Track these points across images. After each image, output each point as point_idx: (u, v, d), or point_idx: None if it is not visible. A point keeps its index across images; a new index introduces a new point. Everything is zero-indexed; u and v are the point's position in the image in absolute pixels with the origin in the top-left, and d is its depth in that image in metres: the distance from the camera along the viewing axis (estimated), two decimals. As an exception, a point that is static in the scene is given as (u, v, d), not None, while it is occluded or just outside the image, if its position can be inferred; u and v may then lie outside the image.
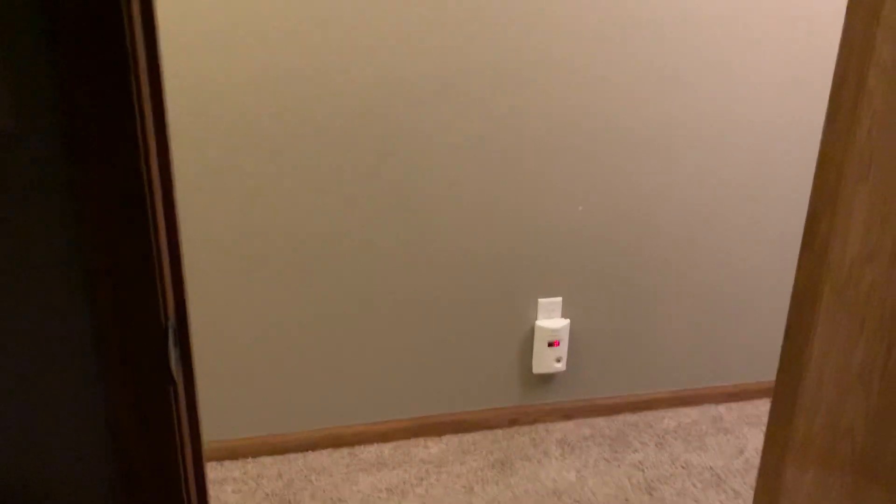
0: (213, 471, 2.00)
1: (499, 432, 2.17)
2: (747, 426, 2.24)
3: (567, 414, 2.22)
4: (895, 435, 0.75)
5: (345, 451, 2.08)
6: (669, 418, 2.27)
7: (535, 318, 2.11)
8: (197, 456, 0.77)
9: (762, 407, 2.33)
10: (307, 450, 2.08)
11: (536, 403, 2.20)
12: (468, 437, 2.15)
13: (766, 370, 2.36)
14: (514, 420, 2.18)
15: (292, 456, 2.06)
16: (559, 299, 2.11)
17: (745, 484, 1.98)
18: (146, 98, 0.63)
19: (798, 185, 2.17)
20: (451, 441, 2.13)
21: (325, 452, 2.07)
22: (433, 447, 2.10)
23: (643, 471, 2.03)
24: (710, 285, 2.22)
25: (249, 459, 2.05)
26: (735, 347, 2.32)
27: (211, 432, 2.03)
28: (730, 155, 2.09)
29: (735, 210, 2.15)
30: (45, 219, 0.63)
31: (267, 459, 2.05)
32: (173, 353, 0.70)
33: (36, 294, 0.64)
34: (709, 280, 2.21)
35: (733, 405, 2.35)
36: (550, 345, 2.11)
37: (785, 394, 0.97)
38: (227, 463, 2.03)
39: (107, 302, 0.65)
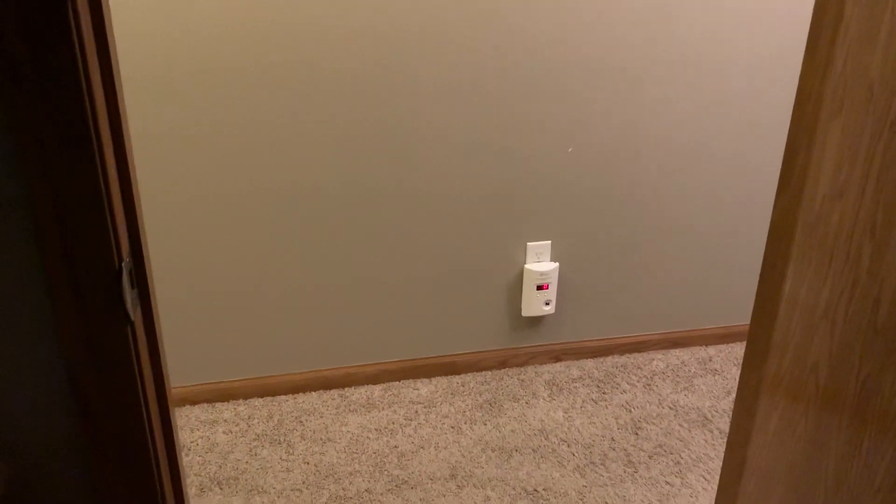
0: (204, 412, 2.03)
1: (488, 374, 2.18)
2: (735, 367, 2.25)
3: (556, 356, 2.24)
4: (855, 371, 0.75)
5: (335, 392, 2.11)
6: (658, 360, 2.28)
7: (524, 262, 2.11)
8: (161, 395, 0.77)
9: (751, 349, 2.34)
10: (298, 392, 2.10)
11: (525, 346, 2.22)
12: (457, 379, 2.16)
13: (757, 312, 2.37)
14: (503, 362, 2.20)
15: (283, 398, 2.08)
16: (548, 243, 2.10)
17: (731, 424, 2.00)
18: (84, 16, 0.60)
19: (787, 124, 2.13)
20: (441, 383, 2.15)
21: (315, 394, 2.10)
22: (423, 388, 2.12)
23: (630, 411, 2.05)
24: (699, 227, 2.20)
25: (241, 401, 2.07)
26: (725, 290, 2.32)
27: (202, 374, 2.05)
28: (720, 94, 2.05)
29: (725, 151, 2.12)
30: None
31: (258, 401, 2.07)
32: (129, 293, 0.69)
33: (-18, 233, 0.63)
34: (698, 222, 2.19)
35: (722, 347, 2.36)
36: (539, 288, 2.11)
37: (759, 333, 0.97)
38: (218, 405, 2.06)
39: (55, 243, 0.64)
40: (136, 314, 0.71)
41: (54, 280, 0.65)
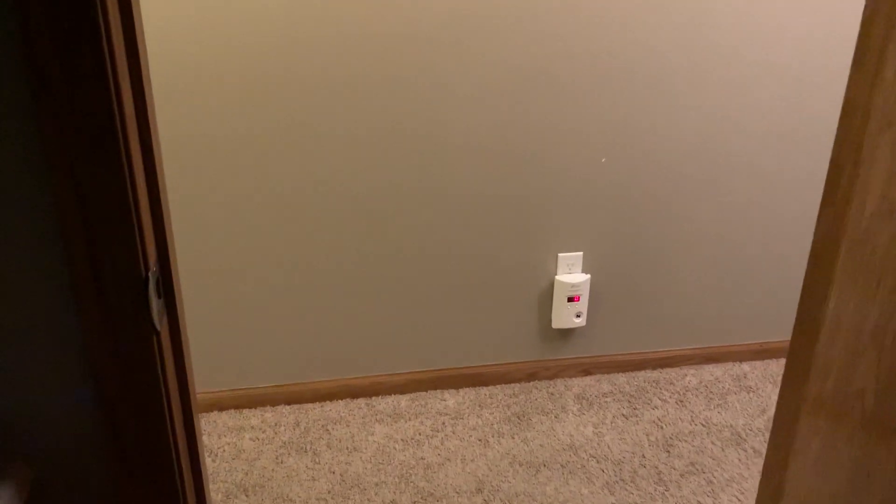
0: (231, 418, 2.03)
1: (516, 386, 2.16)
2: (771, 385, 2.20)
3: (586, 369, 2.20)
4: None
5: (362, 401, 2.09)
6: (691, 376, 2.23)
7: (556, 273, 2.08)
8: (186, 405, 0.76)
9: (788, 366, 2.29)
10: (325, 400, 2.09)
11: (555, 358, 2.18)
12: (485, 391, 2.14)
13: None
14: (532, 374, 2.17)
15: (309, 405, 2.08)
16: (580, 254, 2.07)
17: (766, 443, 1.94)
18: (114, 19, 0.60)
19: (831, 135, 2.08)
20: (469, 394, 2.13)
21: (342, 403, 2.09)
22: (450, 399, 2.10)
23: (662, 427, 2.01)
24: (736, 240, 2.15)
25: (268, 408, 2.07)
26: (761, 305, 2.26)
27: (231, 380, 2.05)
28: (761, 103, 2.01)
29: (764, 163, 2.07)
30: (9, 163, 0.61)
31: (285, 408, 2.07)
32: (155, 303, 0.68)
33: (8, 243, 0.63)
34: (735, 235, 2.15)
35: (757, 363, 2.31)
36: (570, 300, 2.08)
37: (799, 354, 0.94)
38: (245, 411, 2.06)
39: (81, 251, 0.63)
40: (162, 324, 0.71)
41: (80, 288, 0.65)
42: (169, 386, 0.72)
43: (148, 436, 0.71)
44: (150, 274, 0.67)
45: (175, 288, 0.72)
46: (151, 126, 0.67)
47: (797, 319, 0.94)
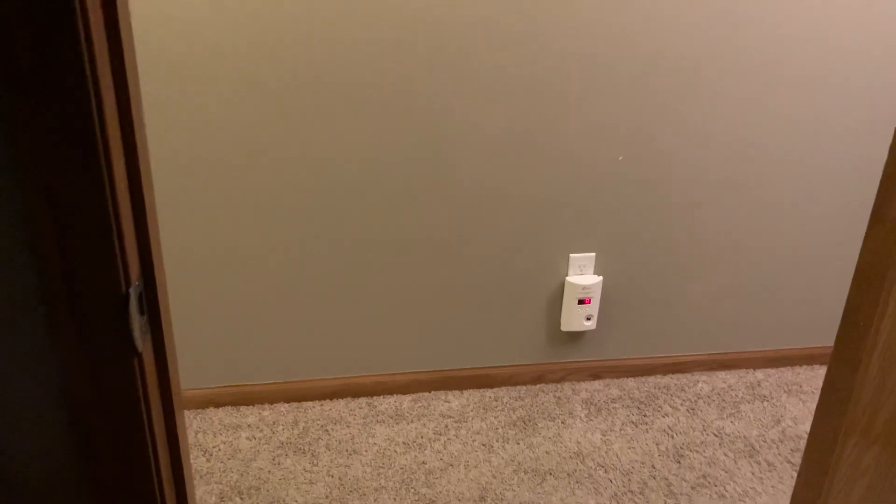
0: (228, 416, 1.97)
1: (522, 389, 2.09)
2: (786, 394, 2.13)
3: (595, 373, 2.13)
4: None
5: (363, 401, 2.03)
6: (703, 382, 2.16)
7: (566, 274, 2.00)
8: (171, 432, 0.69)
9: (803, 374, 2.22)
10: (325, 398, 2.03)
11: (563, 361, 2.11)
12: (490, 393, 2.07)
13: (810, 336, 2.24)
14: (539, 377, 2.10)
15: (309, 404, 2.01)
16: (592, 255, 2.00)
17: (780, 455, 1.88)
18: (94, 12, 0.52)
19: (859, 139, 2.00)
20: (473, 396, 2.06)
21: (342, 402, 2.02)
22: (454, 401, 2.04)
23: (672, 437, 1.94)
24: (753, 245, 2.08)
25: (266, 406, 2.01)
26: (777, 311, 2.19)
27: (228, 376, 1.99)
28: (783, 108, 1.92)
29: (784, 168, 1.99)
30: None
31: (283, 406, 2.00)
32: (137, 321, 0.61)
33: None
34: (753, 239, 2.07)
35: (771, 371, 2.24)
36: (581, 302, 2.01)
37: (841, 380, 0.86)
38: (243, 408, 1.99)
39: (54, 266, 0.56)
40: (145, 343, 0.63)
41: (53, 307, 0.58)
42: (152, 412, 0.65)
43: (128, 468, 0.65)
44: (131, 289, 0.60)
45: (160, 302, 0.65)
46: (136, 124, 0.59)
47: (838, 344, 0.87)
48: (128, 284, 0.59)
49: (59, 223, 0.55)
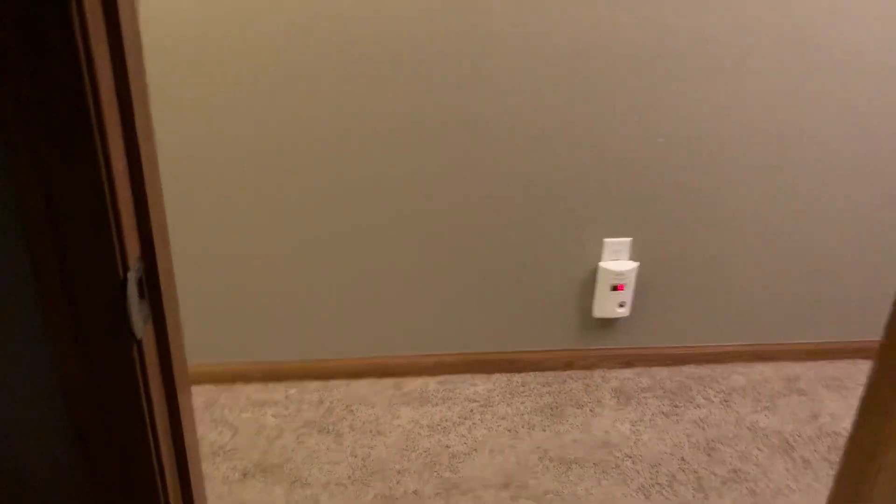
0: (256, 392, 1.97)
1: (551, 375, 2.05)
2: (825, 389, 2.05)
3: (627, 361, 2.08)
4: None
5: (389, 382, 2.01)
6: (739, 374, 2.10)
7: (600, 259, 1.95)
8: (174, 417, 0.68)
9: (844, 369, 2.14)
10: (351, 377, 2.02)
11: (594, 348, 2.07)
12: (518, 378, 2.04)
13: (852, 330, 2.15)
14: (568, 364, 2.06)
15: (335, 383, 2.00)
16: (628, 240, 1.94)
17: (817, 453, 1.82)
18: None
19: (915, 126, 1.90)
20: (500, 380, 2.03)
21: (368, 382, 2.01)
22: (480, 385, 2.01)
23: (704, 429, 1.89)
24: (797, 232, 2.00)
25: (293, 383, 2.00)
26: (818, 302, 2.11)
27: (257, 352, 1.99)
28: (830, 90, 1.83)
29: (832, 152, 1.91)
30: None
31: (310, 384, 2.00)
32: (136, 307, 0.59)
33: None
34: (796, 226, 1.99)
35: (811, 364, 2.16)
36: (614, 288, 1.96)
37: (888, 380, 0.81)
38: (270, 384, 1.99)
39: (48, 252, 0.54)
40: (146, 330, 0.61)
41: (48, 294, 0.56)
42: (153, 399, 0.63)
43: (128, 461, 0.63)
44: (129, 274, 0.57)
45: (163, 287, 0.63)
46: (136, 105, 0.56)
47: (886, 341, 0.82)
48: (126, 269, 0.57)
49: (51, 206, 0.53)
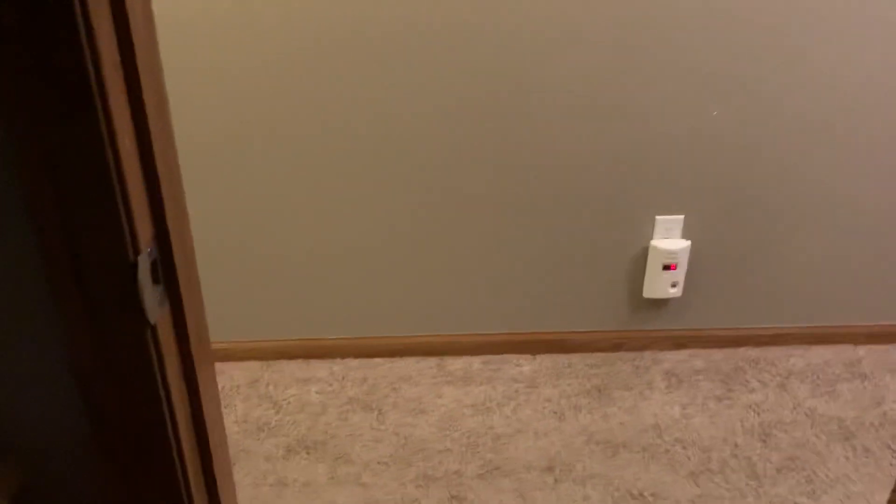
0: (299, 369, 1.97)
1: (599, 356, 2.00)
2: (890, 374, 1.95)
3: (679, 343, 2.01)
4: None
5: (433, 361, 1.99)
6: (797, 357, 2.01)
7: (651, 238, 1.88)
8: (195, 401, 0.66)
9: (911, 353, 2.03)
10: (395, 356, 2.00)
11: (644, 329, 2.01)
12: (565, 359, 1.99)
13: (922, 312, 2.04)
14: (617, 345, 2.00)
15: (379, 361, 1.99)
16: (680, 217, 1.86)
17: (879, 441, 1.73)
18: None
19: None
20: (546, 361, 1.99)
21: (412, 360, 1.99)
22: (526, 365, 1.97)
23: (759, 414, 1.81)
24: (860, 207, 1.89)
25: (336, 360, 2.00)
26: (884, 282, 1.99)
27: (300, 329, 1.98)
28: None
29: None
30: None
31: (353, 362, 1.99)
32: (149, 291, 0.57)
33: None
34: (860, 201, 1.88)
35: (874, 348, 2.05)
36: (666, 268, 1.89)
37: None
38: (313, 362, 1.99)
39: (56, 235, 0.52)
40: (161, 314, 0.59)
41: (58, 279, 0.54)
42: (170, 385, 0.61)
43: (144, 443, 0.61)
44: (139, 258, 0.55)
45: (178, 269, 0.61)
46: (144, 79, 0.54)
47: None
48: (136, 252, 0.55)
49: (58, 188, 0.51)
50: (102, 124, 0.50)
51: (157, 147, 0.56)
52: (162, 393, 0.60)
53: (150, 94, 0.55)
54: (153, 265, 0.58)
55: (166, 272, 0.60)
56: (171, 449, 0.62)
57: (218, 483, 0.70)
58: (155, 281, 0.58)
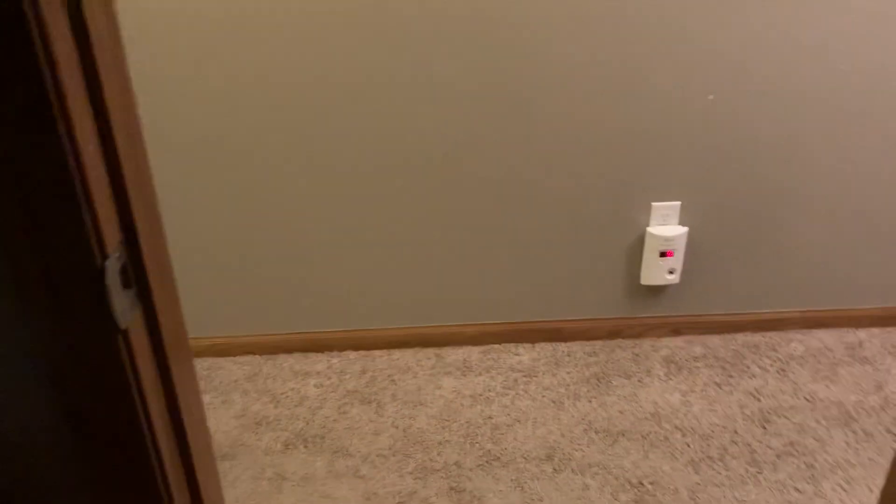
0: (298, 362, 1.97)
1: (597, 344, 1.99)
2: (891, 357, 1.94)
3: (677, 329, 2.01)
4: None
5: (431, 352, 1.99)
6: (797, 342, 2.00)
7: (647, 224, 1.87)
8: (175, 414, 0.65)
9: (913, 336, 2.02)
10: (393, 348, 2.00)
11: (642, 316, 2.00)
12: (563, 347, 1.99)
13: (924, 294, 2.02)
14: (615, 332, 2.00)
15: (377, 353, 1.99)
16: (677, 203, 1.85)
17: (881, 425, 1.72)
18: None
19: None
20: (545, 350, 1.98)
21: (410, 352, 1.99)
22: (524, 355, 1.97)
23: (759, 400, 1.81)
24: (859, 190, 1.87)
25: (335, 353, 2.00)
26: (885, 264, 1.98)
27: (298, 323, 1.98)
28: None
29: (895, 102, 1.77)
30: None
31: (352, 354, 1.99)
32: (118, 296, 0.56)
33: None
34: (858, 183, 1.86)
35: (876, 331, 2.04)
36: (663, 255, 1.88)
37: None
38: (312, 355, 1.99)
39: (24, 244, 0.52)
40: (133, 318, 0.59)
41: (26, 286, 0.53)
42: (144, 388, 0.60)
43: (122, 448, 0.61)
44: (107, 262, 0.54)
45: (149, 272, 0.60)
46: (106, 78, 0.53)
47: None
48: (104, 257, 0.54)
49: (22, 195, 0.50)
50: (62, 129, 0.49)
51: (124, 150, 0.55)
52: (136, 396, 0.59)
53: (115, 93, 0.54)
54: (123, 269, 0.57)
55: (138, 276, 0.59)
56: (149, 451, 0.62)
57: (200, 483, 0.70)
58: (126, 285, 0.57)
